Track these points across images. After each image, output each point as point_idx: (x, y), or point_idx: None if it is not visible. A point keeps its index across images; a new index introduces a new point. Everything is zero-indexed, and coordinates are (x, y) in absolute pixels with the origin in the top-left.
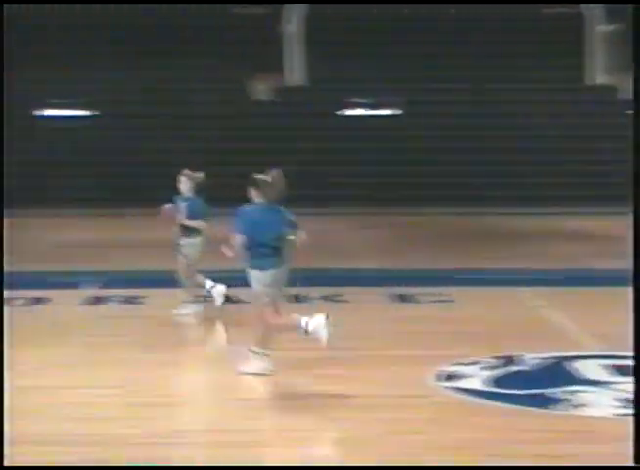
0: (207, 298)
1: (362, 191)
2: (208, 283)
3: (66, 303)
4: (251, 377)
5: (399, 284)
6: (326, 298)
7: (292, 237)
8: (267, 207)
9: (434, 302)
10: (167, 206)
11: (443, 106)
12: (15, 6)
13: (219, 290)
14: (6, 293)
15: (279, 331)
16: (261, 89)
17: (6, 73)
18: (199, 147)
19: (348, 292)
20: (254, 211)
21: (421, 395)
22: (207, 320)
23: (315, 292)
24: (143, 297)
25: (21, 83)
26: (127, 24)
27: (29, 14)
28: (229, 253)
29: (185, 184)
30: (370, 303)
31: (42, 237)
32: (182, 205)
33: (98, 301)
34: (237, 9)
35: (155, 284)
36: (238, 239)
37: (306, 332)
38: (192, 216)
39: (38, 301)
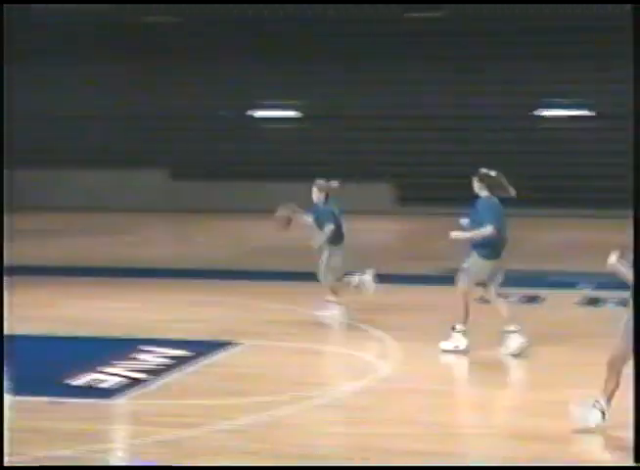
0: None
1: None
2: (354, 279)
3: (560, 302)
4: None
5: None
6: None
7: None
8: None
9: None
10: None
11: None
12: None
13: (365, 279)
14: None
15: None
16: None
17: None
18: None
19: None
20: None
21: None
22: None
23: None
24: None
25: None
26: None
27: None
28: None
29: (316, 193)
30: None
31: (540, 237)
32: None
33: (593, 302)
34: None
35: None
36: (489, 229)
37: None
38: (319, 225)
39: (532, 299)
